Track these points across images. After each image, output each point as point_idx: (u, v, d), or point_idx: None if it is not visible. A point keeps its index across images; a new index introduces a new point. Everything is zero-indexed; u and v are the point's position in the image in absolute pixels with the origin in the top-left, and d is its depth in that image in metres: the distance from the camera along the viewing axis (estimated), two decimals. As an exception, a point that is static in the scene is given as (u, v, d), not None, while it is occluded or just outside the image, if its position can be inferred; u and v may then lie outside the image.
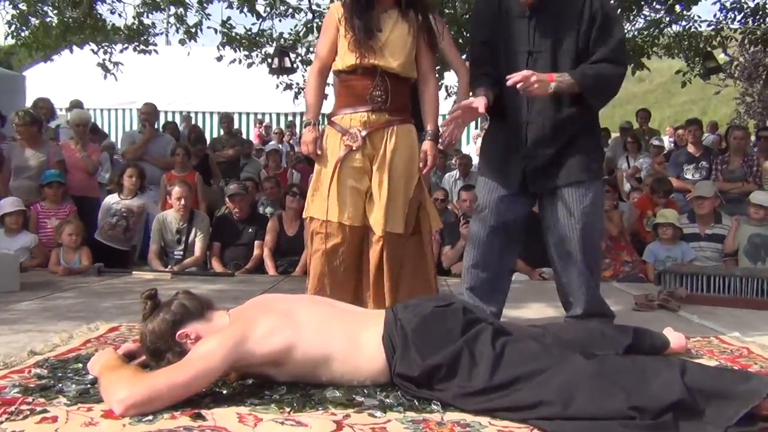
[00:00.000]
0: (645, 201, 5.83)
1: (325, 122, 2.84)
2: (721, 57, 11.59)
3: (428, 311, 1.91)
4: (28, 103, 7.59)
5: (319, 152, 2.73)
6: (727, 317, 3.24)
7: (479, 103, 2.49)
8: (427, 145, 2.76)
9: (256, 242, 5.30)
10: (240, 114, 12.51)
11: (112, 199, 5.51)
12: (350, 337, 1.89)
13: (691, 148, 6.45)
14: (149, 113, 6.70)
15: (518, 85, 2.43)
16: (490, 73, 2.70)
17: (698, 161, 6.23)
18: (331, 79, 2.96)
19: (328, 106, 2.90)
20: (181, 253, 5.21)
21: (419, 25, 2.76)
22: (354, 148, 2.68)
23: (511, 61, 2.66)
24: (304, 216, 2.87)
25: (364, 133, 2.68)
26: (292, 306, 1.97)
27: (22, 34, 7.94)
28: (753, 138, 8.31)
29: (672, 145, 10.02)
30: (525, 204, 2.80)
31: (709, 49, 9.20)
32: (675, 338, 2.37)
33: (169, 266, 5.08)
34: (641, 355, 2.05)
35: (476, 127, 11.27)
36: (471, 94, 2.70)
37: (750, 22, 8.27)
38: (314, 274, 2.74)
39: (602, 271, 4.98)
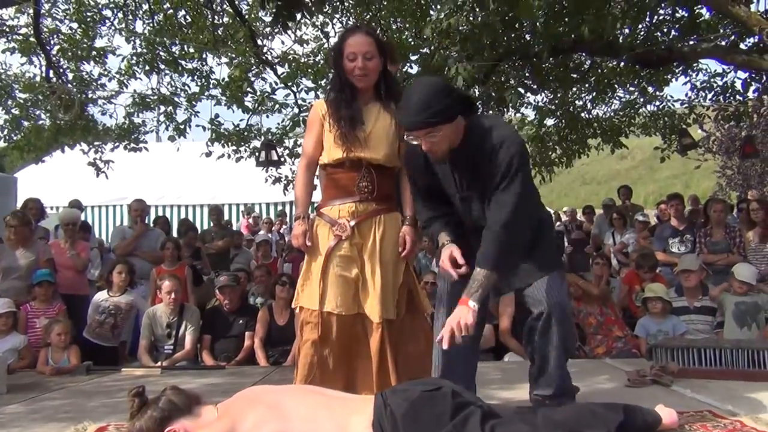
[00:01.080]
0: (632, 276, 5.88)
1: (314, 213, 2.90)
2: (698, 133, 11.96)
3: (417, 396, 1.92)
4: (20, 204, 7.66)
5: (309, 244, 2.78)
6: (721, 390, 3.23)
7: (464, 270, 2.55)
8: (406, 230, 2.82)
9: (247, 333, 5.26)
10: (230, 205, 12.63)
11: (100, 297, 5.49)
12: (339, 424, 1.88)
13: (674, 222, 6.57)
14: (140, 209, 6.78)
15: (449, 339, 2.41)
16: (437, 211, 2.78)
17: (683, 234, 6.33)
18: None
19: (316, 196, 2.96)
20: (172, 347, 5.15)
21: None
22: (343, 238, 2.73)
23: (451, 202, 2.74)
24: (293, 306, 2.89)
25: (352, 223, 2.74)
26: (280, 397, 1.97)
27: (15, 138, 8.11)
28: (735, 210, 8.49)
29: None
30: None
31: (683, 126, 9.53)
32: (666, 414, 2.37)
33: (160, 361, 5.02)
34: (632, 432, 2.05)
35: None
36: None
37: (721, 99, 8.59)
38: (304, 364, 2.73)
39: (595, 348, 4.99)
